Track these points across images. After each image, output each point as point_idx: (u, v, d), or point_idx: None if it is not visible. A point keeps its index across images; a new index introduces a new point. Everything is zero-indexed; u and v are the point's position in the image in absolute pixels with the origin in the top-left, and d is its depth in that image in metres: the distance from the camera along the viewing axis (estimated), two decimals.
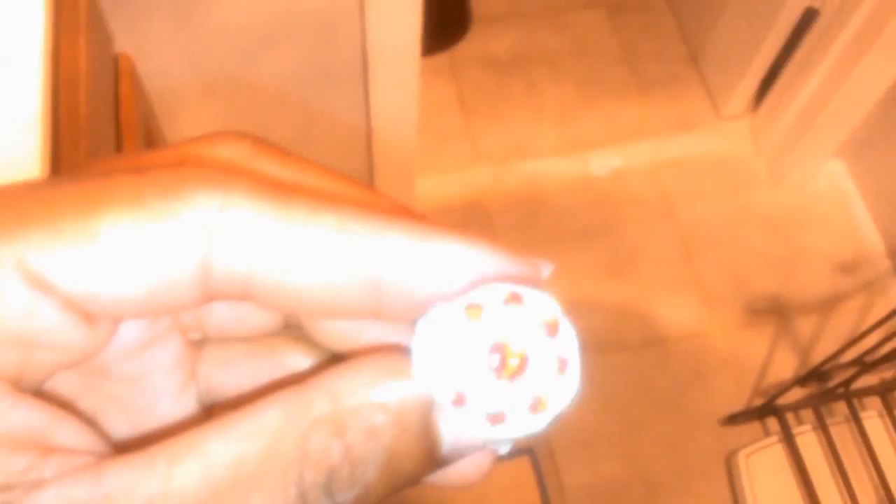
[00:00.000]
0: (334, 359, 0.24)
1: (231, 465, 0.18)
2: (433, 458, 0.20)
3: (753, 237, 1.85)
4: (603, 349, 1.69)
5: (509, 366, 0.19)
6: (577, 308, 1.72)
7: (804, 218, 1.88)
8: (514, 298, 0.19)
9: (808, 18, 1.72)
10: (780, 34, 1.78)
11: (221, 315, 0.23)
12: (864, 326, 1.31)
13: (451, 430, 0.20)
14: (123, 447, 0.20)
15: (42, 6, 0.78)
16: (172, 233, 0.18)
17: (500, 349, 0.19)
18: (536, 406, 0.19)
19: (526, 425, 0.19)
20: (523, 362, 0.19)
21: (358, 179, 0.22)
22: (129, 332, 0.21)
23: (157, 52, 1.16)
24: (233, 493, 0.18)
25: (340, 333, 0.22)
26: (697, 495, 1.58)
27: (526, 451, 1.55)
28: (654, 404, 1.66)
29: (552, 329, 0.20)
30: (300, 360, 0.24)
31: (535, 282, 0.20)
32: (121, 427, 0.22)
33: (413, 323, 0.20)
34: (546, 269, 0.22)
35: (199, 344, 0.24)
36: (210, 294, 0.19)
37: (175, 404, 0.23)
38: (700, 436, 1.63)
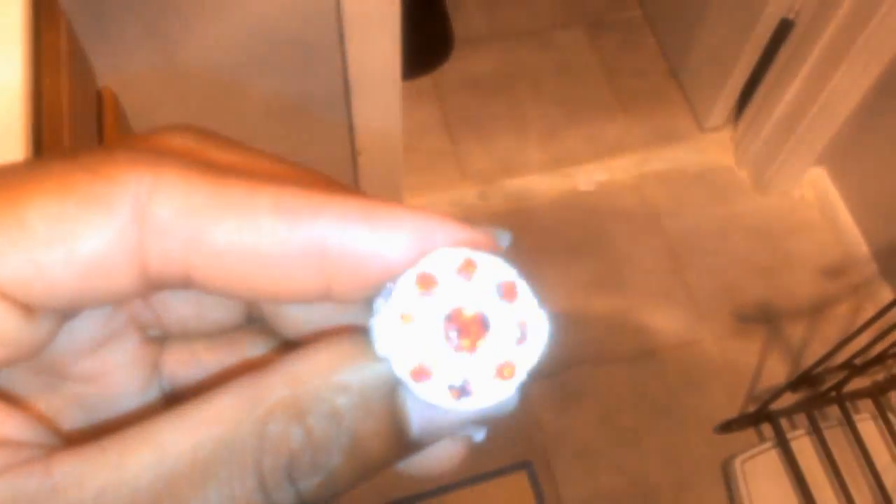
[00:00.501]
0: (293, 345, 0.22)
1: (185, 453, 0.17)
2: (402, 442, 0.19)
3: (740, 246, 1.87)
4: (596, 361, 1.70)
5: (468, 334, 0.18)
6: (568, 321, 1.73)
7: (789, 225, 1.90)
8: (468, 265, 0.19)
9: (784, 29, 1.75)
10: (757, 46, 1.80)
11: (179, 310, 0.23)
12: (854, 330, 1.32)
13: (420, 412, 0.19)
14: (77, 441, 0.20)
15: (21, 43, 0.79)
16: (101, 218, 0.17)
17: (456, 318, 0.18)
18: (501, 372, 0.18)
19: (492, 394, 0.18)
20: (482, 329, 0.18)
21: (307, 167, 0.21)
22: (83, 328, 0.21)
23: (139, 86, 1.18)
24: (188, 482, 0.17)
25: (300, 321, 0.22)
26: (695, 502, 1.58)
27: (523, 464, 1.56)
28: (648, 414, 1.66)
29: (510, 293, 0.19)
30: (265, 352, 0.23)
31: (490, 250, 0.19)
32: (79, 425, 0.22)
33: (368, 302, 0.19)
34: (503, 238, 0.21)
35: (160, 341, 0.23)
36: (151, 281, 0.19)
37: (138, 402, 0.23)
38: (695, 444, 1.63)
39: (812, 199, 1.92)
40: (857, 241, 1.83)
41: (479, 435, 0.21)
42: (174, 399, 0.23)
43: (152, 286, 0.19)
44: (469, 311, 0.18)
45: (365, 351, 0.19)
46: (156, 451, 0.17)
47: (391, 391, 0.19)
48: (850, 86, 1.64)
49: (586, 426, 1.63)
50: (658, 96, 2.07)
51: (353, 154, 1.42)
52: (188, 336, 0.23)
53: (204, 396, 0.18)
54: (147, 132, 0.20)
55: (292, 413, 0.18)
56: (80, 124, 0.98)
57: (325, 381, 0.18)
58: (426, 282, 0.18)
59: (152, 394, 0.23)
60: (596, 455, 1.61)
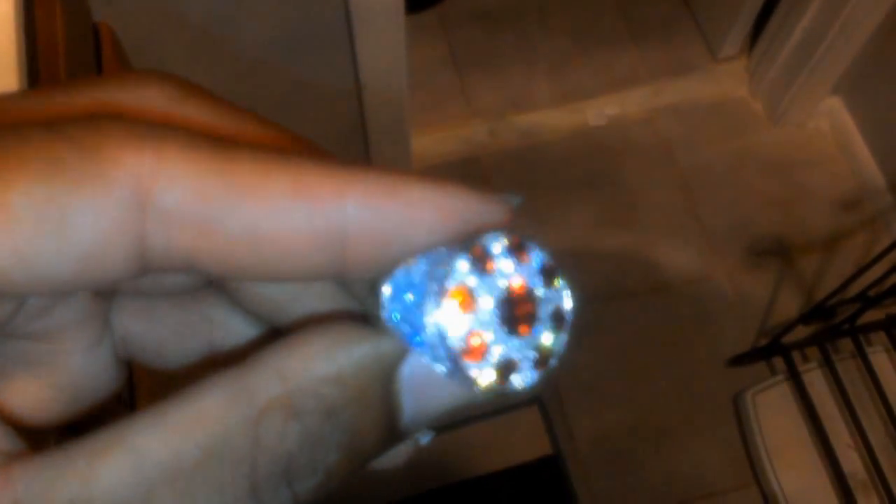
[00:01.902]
0: (274, 332, 0.22)
1: (167, 460, 0.15)
2: (394, 433, 0.18)
3: (754, 179, 1.84)
4: (607, 297, 1.69)
5: (522, 317, 0.18)
6: (579, 258, 1.72)
7: (804, 157, 1.87)
8: (517, 247, 0.18)
9: None
10: None
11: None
12: (868, 261, 1.30)
13: (413, 399, 0.18)
14: (40, 438, 0.19)
15: None
16: (97, 203, 0.15)
17: (511, 299, 0.18)
18: (542, 358, 0.18)
19: (530, 379, 0.18)
20: (532, 313, 0.18)
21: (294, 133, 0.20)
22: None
23: (136, 21, 1.16)
24: (171, 493, 0.15)
25: (273, 301, 0.21)
26: (706, 437, 1.59)
27: (534, 399, 1.56)
28: (660, 349, 1.66)
29: (550, 278, 0.19)
30: (226, 313, 0.22)
31: (508, 218, 0.19)
32: (30, 389, 0.20)
33: (370, 282, 0.18)
34: (515, 201, 0.20)
35: (110, 293, 0.21)
36: (149, 267, 0.17)
37: (89, 359, 0.21)
38: (707, 378, 1.63)
39: (827, 130, 1.88)
40: (872, 173, 1.79)
41: (426, 438, 0.21)
42: (127, 356, 0.22)
43: (149, 270, 0.17)
44: (522, 293, 0.18)
45: (358, 338, 0.17)
46: (131, 459, 0.15)
47: (387, 380, 0.18)
48: (867, 12, 1.60)
49: (597, 362, 1.62)
50: (670, 26, 2.02)
51: (358, 92, 1.39)
52: (141, 292, 0.22)
53: (183, 394, 0.16)
54: (120, 78, 0.18)
55: (287, 412, 0.16)
56: (76, 58, 0.97)
57: (320, 374, 0.17)
58: (482, 259, 0.18)
59: (104, 350, 0.21)
60: (607, 390, 1.61)
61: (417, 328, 0.18)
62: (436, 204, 0.17)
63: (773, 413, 1.53)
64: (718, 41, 1.94)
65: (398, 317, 0.18)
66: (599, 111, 1.91)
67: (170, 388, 0.17)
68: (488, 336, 0.17)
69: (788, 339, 1.52)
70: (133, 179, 0.15)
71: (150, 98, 0.18)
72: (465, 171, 1.82)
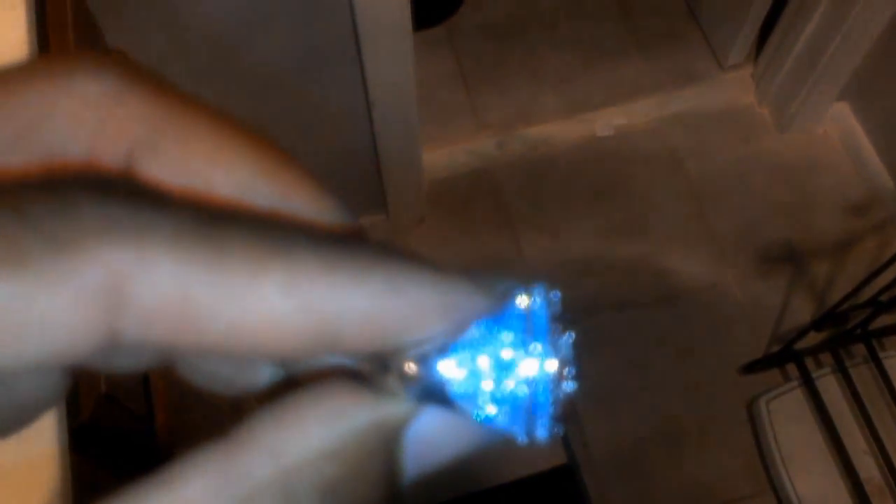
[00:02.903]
0: (262, 397, 0.20)
1: None
2: (393, 495, 0.17)
3: (763, 186, 1.85)
4: (619, 307, 1.70)
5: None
6: (590, 268, 1.72)
7: (813, 163, 1.87)
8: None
9: None
10: None
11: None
12: (879, 266, 1.30)
13: (415, 462, 0.17)
14: None
15: (25, 6, 0.79)
16: (67, 302, 0.14)
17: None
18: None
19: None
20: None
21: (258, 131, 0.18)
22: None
23: (148, 46, 1.18)
24: None
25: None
26: (721, 444, 1.59)
27: None
28: (673, 358, 1.66)
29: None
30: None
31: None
32: None
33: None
34: (513, 289, 0.19)
35: None
36: (118, 349, 0.16)
37: (34, 376, 0.19)
38: (720, 386, 1.64)
39: (835, 136, 1.89)
40: (881, 177, 1.80)
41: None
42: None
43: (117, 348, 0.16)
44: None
45: (356, 407, 0.16)
46: None
47: (389, 448, 0.17)
48: (872, 17, 1.60)
49: (610, 371, 1.63)
50: (676, 35, 2.03)
51: (368, 109, 1.41)
52: None
53: (167, 474, 0.15)
54: (55, 67, 0.17)
55: (281, 493, 0.15)
56: None
57: (316, 449, 0.16)
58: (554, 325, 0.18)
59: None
60: (620, 399, 1.62)
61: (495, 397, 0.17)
62: (438, 304, 0.16)
63: (788, 420, 1.53)
64: (724, 50, 1.95)
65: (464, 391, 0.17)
66: (607, 122, 1.92)
67: (186, 412, 0.18)
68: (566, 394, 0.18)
69: (801, 345, 1.52)
70: (109, 276, 0.14)
71: (87, 94, 0.16)
72: (474, 184, 1.83)
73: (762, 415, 1.54)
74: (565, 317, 0.18)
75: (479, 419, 0.18)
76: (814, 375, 1.52)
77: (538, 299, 0.18)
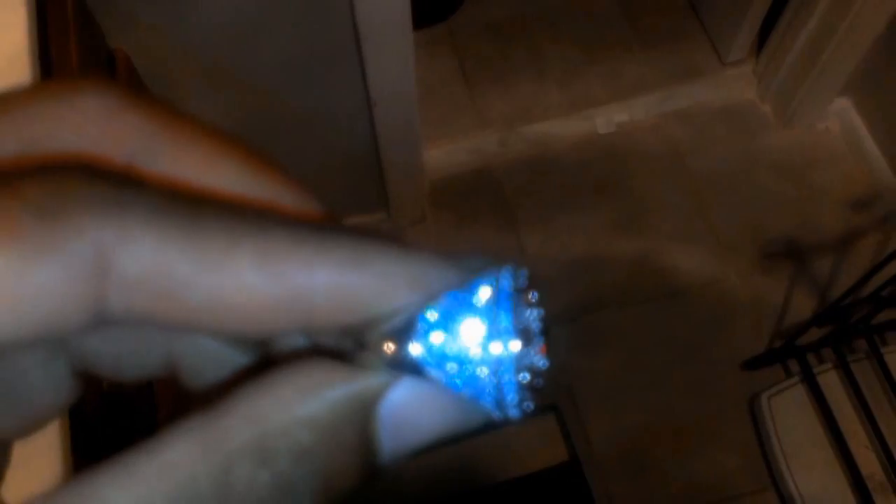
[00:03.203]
0: (245, 371, 0.21)
1: None
2: (371, 472, 0.18)
3: (765, 181, 1.85)
4: (621, 303, 1.70)
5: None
6: (593, 264, 1.73)
7: (814, 158, 1.87)
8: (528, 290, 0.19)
9: None
10: None
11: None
12: (880, 260, 1.30)
13: (392, 437, 0.18)
14: None
15: (26, 7, 0.80)
16: (55, 272, 0.15)
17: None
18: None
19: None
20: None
21: (247, 144, 0.19)
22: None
23: (151, 47, 1.18)
24: None
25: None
26: (722, 440, 1.59)
27: (550, 407, 1.57)
28: (675, 354, 1.67)
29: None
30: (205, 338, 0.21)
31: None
32: None
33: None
34: (480, 264, 0.19)
35: None
36: (104, 323, 0.16)
37: (43, 373, 0.20)
38: (722, 381, 1.64)
39: (837, 131, 1.89)
40: (883, 172, 1.80)
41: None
42: (83, 369, 0.21)
43: (105, 325, 0.17)
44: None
45: (332, 378, 0.17)
46: None
47: (363, 420, 0.17)
48: (873, 12, 1.60)
49: (612, 368, 1.64)
50: (678, 32, 2.03)
51: (369, 108, 1.41)
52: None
53: (151, 442, 0.16)
54: (59, 87, 0.18)
55: (257, 457, 0.16)
56: None
57: (292, 416, 0.16)
58: (525, 294, 0.18)
59: (58, 365, 0.20)
60: (622, 396, 1.62)
61: (460, 361, 0.18)
62: (405, 275, 0.17)
63: (790, 415, 1.53)
64: (726, 46, 1.94)
65: (427, 354, 0.18)
66: (609, 118, 1.92)
67: (188, 401, 0.18)
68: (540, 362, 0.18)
69: (803, 340, 1.52)
70: (95, 248, 0.15)
71: (90, 109, 0.17)
72: (475, 182, 1.84)
73: (764, 411, 1.54)
74: (534, 295, 0.19)
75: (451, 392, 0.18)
76: (815, 371, 1.53)
77: (505, 278, 0.18)
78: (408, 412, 0.18)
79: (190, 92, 1.29)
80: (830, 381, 1.53)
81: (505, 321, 0.18)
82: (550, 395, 1.59)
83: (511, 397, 0.18)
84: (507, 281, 0.18)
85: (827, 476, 1.48)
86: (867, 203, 1.80)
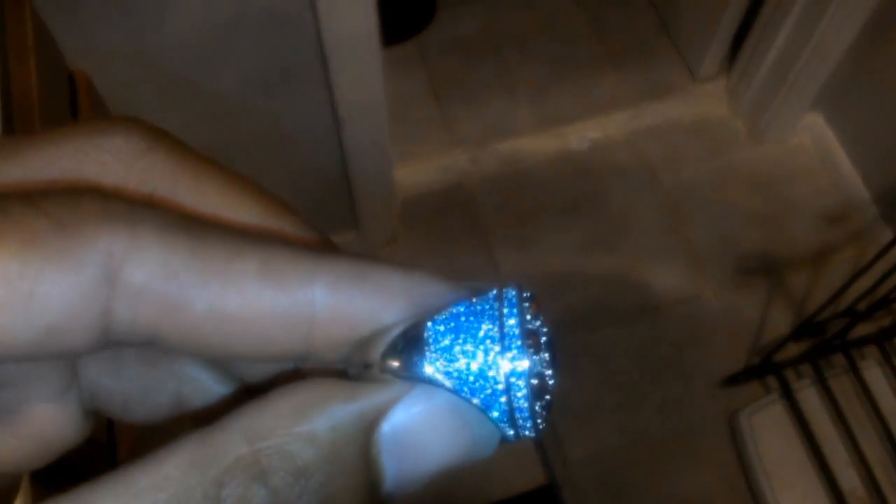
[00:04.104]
0: (246, 390, 0.22)
1: None
2: (374, 498, 0.17)
3: (738, 197, 1.84)
4: (596, 321, 1.68)
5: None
6: (567, 283, 1.71)
7: (788, 173, 1.87)
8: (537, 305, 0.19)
9: None
10: None
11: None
12: (854, 273, 1.29)
13: (396, 463, 0.17)
14: (6, 485, 0.19)
15: None
16: (67, 280, 0.16)
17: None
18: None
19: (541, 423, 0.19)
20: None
21: (266, 191, 0.20)
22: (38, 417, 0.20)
23: (112, 67, 1.15)
24: None
25: (254, 366, 0.21)
26: (702, 459, 1.57)
27: None
28: (652, 372, 1.65)
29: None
30: (198, 370, 0.22)
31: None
32: None
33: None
34: (472, 290, 0.20)
35: None
36: (113, 339, 0.17)
37: (54, 408, 0.20)
38: (701, 399, 1.62)
39: (809, 146, 1.89)
40: (856, 186, 1.80)
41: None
42: (93, 407, 0.22)
43: (112, 344, 0.17)
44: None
45: (332, 395, 0.17)
46: None
47: (365, 441, 0.17)
48: (841, 26, 1.61)
49: (589, 387, 1.61)
50: (648, 49, 2.03)
51: (337, 128, 1.39)
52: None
53: (149, 455, 0.16)
54: (87, 127, 0.19)
55: (253, 472, 0.15)
56: (52, 108, 0.96)
57: (290, 432, 0.16)
58: (532, 307, 0.18)
59: (69, 401, 0.21)
60: (599, 416, 1.60)
61: (475, 376, 0.18)
62: (402, 288, 0.18)
63: (769, 433, 1.52)
64: (696, 61, 1.94)
65: (441, 367, 0.18)
66: (581, 135, 1.91)
67: (148, 440, 0.17)
68: (549, 378, 0.18)
69: (781, 356, 1.51)
70: (105, 257, 0.16)
71: (116, 149, 0.18)
72: (449, 200, 1.82)
73: (743, 429, 1.52)
74: (540, 315, 0.18)
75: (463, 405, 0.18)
76: (794, 387, 1.51)
77: (511, 296, 0.18)
78: (414, 435, 0.17)
79: (152, 113, 1.26)
80: (809, 398, 1.51)
81: (513, 336, 0.18)
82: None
83: (525, 415, 0.18)
84: (513, 296, 0.18)
85: (808, 494, 1.46)
86: (841, 217, 1.80)
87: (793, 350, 1.51)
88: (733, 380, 1.60)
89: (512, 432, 0.18)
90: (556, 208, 1.81)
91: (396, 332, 0.18)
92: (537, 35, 2.04)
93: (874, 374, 1.51)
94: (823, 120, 1.86)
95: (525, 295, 0.18)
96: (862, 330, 1.42)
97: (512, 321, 0.18)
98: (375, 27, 1.23)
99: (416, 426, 0.17)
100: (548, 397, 0.18)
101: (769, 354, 1.52)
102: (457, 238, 1.79)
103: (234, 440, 0.16)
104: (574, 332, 1.67)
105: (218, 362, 0.21)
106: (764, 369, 1.55)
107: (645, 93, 1.96)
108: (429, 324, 0.18)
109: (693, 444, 1.59)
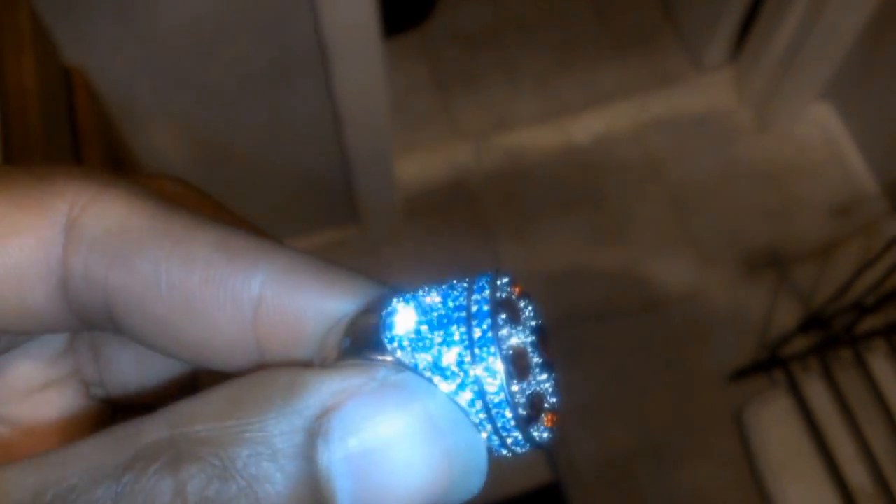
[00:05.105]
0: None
1: (26, 499, 0.14)
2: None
3: (745, 190, 1.82)
4: (602, 317, 1.67)
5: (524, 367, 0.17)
6: (572, 278, 1.69)
7: (795, 165, 1.85)
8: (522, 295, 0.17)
9: None
10: None
11: (122, 367, 0.21)
12: (861, 266, 1.28)
13: (354, 482, 0.15)
14: None
15: None
16: (30, 219, 0.16)
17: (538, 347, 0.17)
18: (550, 417, 0.17)
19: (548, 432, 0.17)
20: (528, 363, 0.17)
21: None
22: (21, 368, 0.20)
23: (109, 62, 1.14)
24: None
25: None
26: (709, 454, 1.56)
27: None
28: (658, 368, 1.63)
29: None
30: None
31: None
32: None
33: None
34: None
35: (105, 404, 0.21)
36: (72, 306, 0.17)
37: (34, 368, 0.21)
38: (707, 395, 1.61)
39: (817, 137, 1.87)
40: (864, 178, 1.78)
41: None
42: None
43: (77, 316, 0.17)
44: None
45: (274, 386, 0.15)
46: None
47: (308, 445, 0.15)
48: (851, 11, 1.58)
49: (595, 384, 1.60)
50: (653, 37, 2.01)
51: (337, 121, 1.37)
52: (131, 397, 0.21)
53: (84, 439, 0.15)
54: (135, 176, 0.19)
55: (165, 460, 0.14)
56: (48, 105, 0.95)
57: (219, 424, 0.14)
58: (512, 310, 0.16)
59: (61, 369, 0.21)
60: (606, 412, 1.58)
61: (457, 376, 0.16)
62: (356, 282, 0.17)
63: (776, 428, 1.50)
64: (703, 50, 1.92)
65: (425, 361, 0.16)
66: (585, 127, 1.89)
67: None
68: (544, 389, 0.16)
69: (788, 350, 1.50)
70: (69, 206, 0.17)
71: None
72: (452, 195, 1.80)
73: (750, 423, 1.51)
74: (524, 304, 0.17)
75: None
76: (801, 381, 1.50)
77: (483, 288, 0.16)
78: (375, 450, 0.15)
79: (150, 109, 1.25)
80: (817, 392, 1.50)
81: (483, 314, 0.16)
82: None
83: (508, 426, 0.16)
84: (486, 281, 0.16)
85: (816, 488, 1.45)
86: (849, 209, 1.78)
87: (800, 344, 1.50)
88: (740, 374, 1.59)
89: (504, 450, 0.17)
90: (561, 202, 1.80)
91: (354, 314, 0.17)
92: (540, 23, 2.01)
93: (882, 367, 1.50)
94: (832, 111, 1.84)
95: (504, 281, 0.17)
96: (869, 323, 1.41)
97: (478, 297, 0.16)
98: (375, 17, 1.21)
99: (378, 438, 0.15)
100: (552, 401, 0.16)
101: (776, 348, 1.51)
102: (460, 233, 1.77)
103: (158, 424, 0.15)
104: (578, 327, 1.65)
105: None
106: (771, 363, 1.54)
107: (650, 83, 1.94)
108: (392, 302, 0.16)
109: (700, 440, 1.57)
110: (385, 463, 0.15)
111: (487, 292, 0.16)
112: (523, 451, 0.17)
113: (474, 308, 0.16)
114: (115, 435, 0.15)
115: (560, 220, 1.77)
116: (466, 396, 0.16)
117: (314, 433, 0.15)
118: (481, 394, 0.16)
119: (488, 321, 0.16)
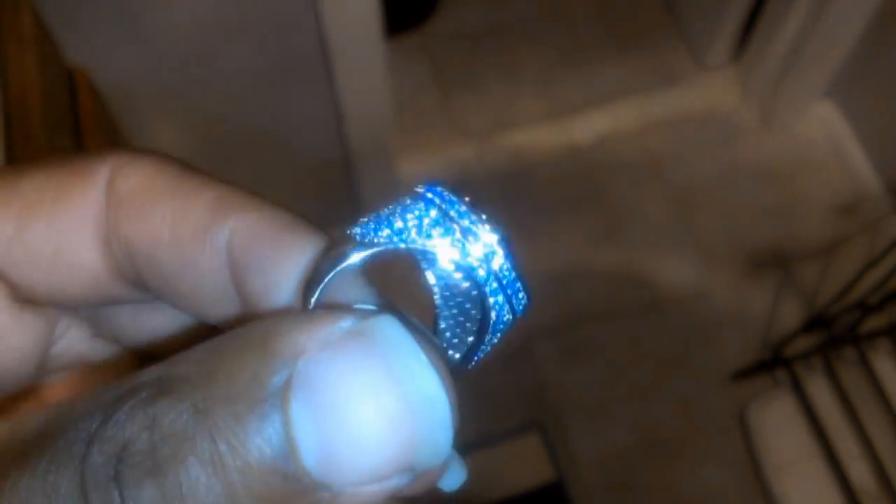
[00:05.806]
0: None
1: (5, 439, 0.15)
2: (290, 477, 0.15)
3: (748, 189, 1.82)
4: (605, 316, 1.67)
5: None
6: (575, 278, 1.69)
7: (798, 164, 1.84)
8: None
9: None
10: None
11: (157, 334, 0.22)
12: (865, 264, 1.28)
13: (312, 419, 0.15)
14: None
15: None
16: (79, 185, 0.18)
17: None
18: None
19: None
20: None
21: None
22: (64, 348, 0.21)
23: (112, 63, 1.14)
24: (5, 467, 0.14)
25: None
26: (712, 454, 1.56)
27: (535, 424, 1.53)
28: (661, 367, 1.63)
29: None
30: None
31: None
32: None
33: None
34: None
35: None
36: (115, 265, 0.19)
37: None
38: (710, 394, 1.60)
39: (820, 136, 1.86)
40: (868, 177, 1.77)
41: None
42: None
43: (123, 278, 0.19)
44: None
45: (257, 339, 0.16)
46: None
47: (275, 398, 0.15)
48: (854, 9, 1.58)
49: (597, 382, 1.60)
50: (655, 36, 2.00)
51: (340, 120, 1.38)
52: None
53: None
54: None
55: (145, 395, 0.14)
56: (51, 104, 0.96)
57: (196, 368, 0.15)
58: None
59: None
60: (608, 411, 1.58)
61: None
62: (321, 235, 0.19)
63: (779, 427, 1.50)
64: (705, 49, 1.92)
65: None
66: (587, 127, 1.88)
67: None
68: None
69: (791, 349, 1.50)
70: (110, 170, 0.19)
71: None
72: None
73: (753, 423, 1.51)
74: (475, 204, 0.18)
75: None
76: (804, 381, 1.50)
77: (440, 189, 0.18)
78: (330, 382, 0.15)
79: (154, 109, 1.25)
80: (820, 391, 1.50)
81: (464, 213, 0.18)
82: (534, 411, 1.56)
83: (513, 287, 0.18)
84: (441, 188, 0.18)
85: (819, 488, 1.45)
86: (852, 208, 1.77)
87: (803, 343, 1.50)
88: (743, 373, 1.59)
89: (501, 299, 0.18)
90: (562, 202, 1.80)
91: (321, 251, 0.18)
92: (542, 22, 2.01)
93: (885, 366, 1.49)
94: (835, 110, 1.83)
95: (454, 191, 0.19)
96: (873, 322, 1.40)
97: (455, 200, 0.18)
98: (377, 17, 1.21)
99: (340, 391, 0.15)
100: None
101: (779, 347, 1.50)
102: None
103: (155, 368, 0.15)
104: (581, 327, 1.65)
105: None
106: (774, 363, 1.54)
107: (652, 82, 1.94)
108: (357, 227, 0.18)
109: (703, 438, 1.57)
110: (347, 416, 0.15)
111: (447, 191, 0.18)
112: (522, 314, 0.19)
113: (452, 210, 0.18)
114: (125, 377, 0.15)
115: (562, 219, 1.77)
116: (477, 251, 0.18)
117: (280, 385, 0.15)
118: (490, 255, 0.18)
119: (468, 211, 0.18)
